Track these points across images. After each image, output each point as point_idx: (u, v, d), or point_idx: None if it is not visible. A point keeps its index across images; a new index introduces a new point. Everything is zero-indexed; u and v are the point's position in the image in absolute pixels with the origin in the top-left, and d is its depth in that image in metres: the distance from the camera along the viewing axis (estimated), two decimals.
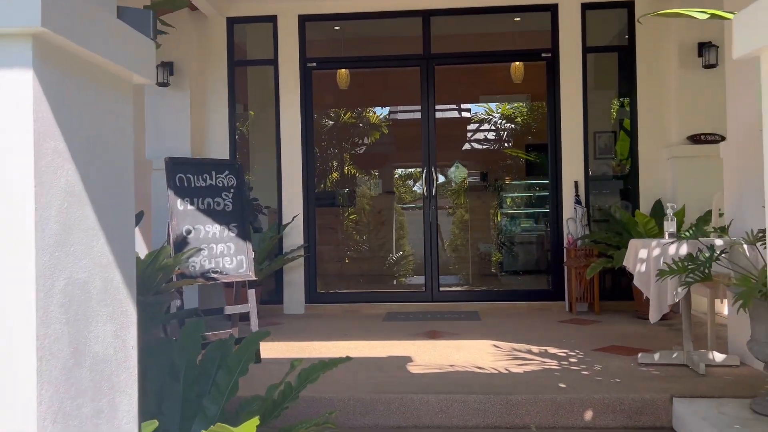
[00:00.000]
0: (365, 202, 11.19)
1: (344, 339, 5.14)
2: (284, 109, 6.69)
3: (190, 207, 4.28)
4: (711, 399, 3.41)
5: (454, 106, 10.65)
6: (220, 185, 4.44)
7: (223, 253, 4.34)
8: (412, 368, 4.14)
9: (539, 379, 3.82)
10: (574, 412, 3.44)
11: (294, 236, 6.63)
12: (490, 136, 10.97)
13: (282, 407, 2.64)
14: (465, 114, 10.83)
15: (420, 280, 9.58)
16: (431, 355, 4.52)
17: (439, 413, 3.46)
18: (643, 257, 3.97)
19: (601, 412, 3.44)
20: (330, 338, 5.19)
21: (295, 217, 6.55)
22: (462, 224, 10.50)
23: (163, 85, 6.38)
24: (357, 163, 11.12)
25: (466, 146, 10.89)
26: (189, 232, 4.24)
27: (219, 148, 6.76)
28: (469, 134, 10.93)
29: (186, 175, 4.30)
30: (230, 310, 4.32)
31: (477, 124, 11.01)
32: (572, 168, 6.47)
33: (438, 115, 6.64)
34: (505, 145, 10.98)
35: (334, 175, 11.11)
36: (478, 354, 4.51)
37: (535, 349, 4.65)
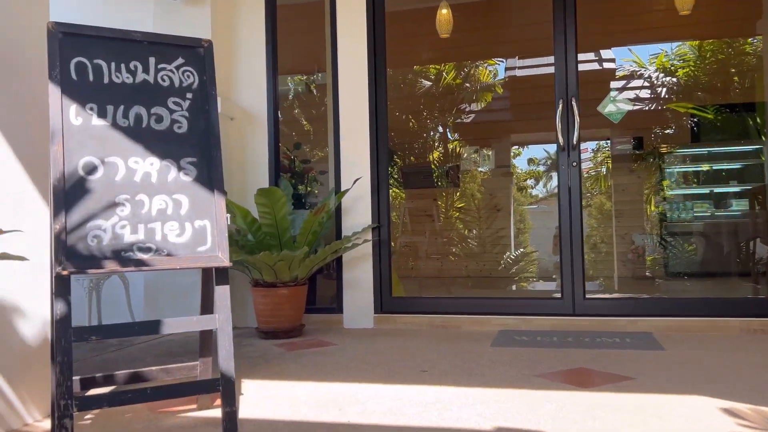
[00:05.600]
0: (475, 188, 8.83)
1: (418, 382, 2.85)
2: (344, 24, 4.53)
3: (97, 121, 2.18)
4: None
5: (592, 56, 8.05)
6: (165, 84, 2.31)
7: (163, 213, 2.20)
8: None
9: None
10: None
11: (358, 214, 4.43)
12: (643, 94, 8.25)
13: None
14: (608, 65, 8.18)
15: (551, 285, 7.15)
16: (585, 429, 2.12)
17: None
18: None
19: None
20: (394, 379, 2.92)
21: (357, 180, 4.35)
22: (605, 211, 7.86)
23: None
24: (462, 134, 8.77)
25: (609, 107, 8.21)
26: (92, 169, 2.14)
27: (253, 88, 4.72)
28: (612, 93, 8.25)
29: (93, 60, 2.21)
30: (173, 325, 2.16)
31: (624, 81, 8.34)
32: None
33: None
34: (669, 99, 8.16)
35: (436, 153, 8.85)
36: None
37: None
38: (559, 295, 4.19)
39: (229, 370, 2.20)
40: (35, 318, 2.39)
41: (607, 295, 5.12)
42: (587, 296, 4.12)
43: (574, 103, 4.08)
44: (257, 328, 4.15)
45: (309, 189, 5.19)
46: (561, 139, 4.10)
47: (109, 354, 3.63)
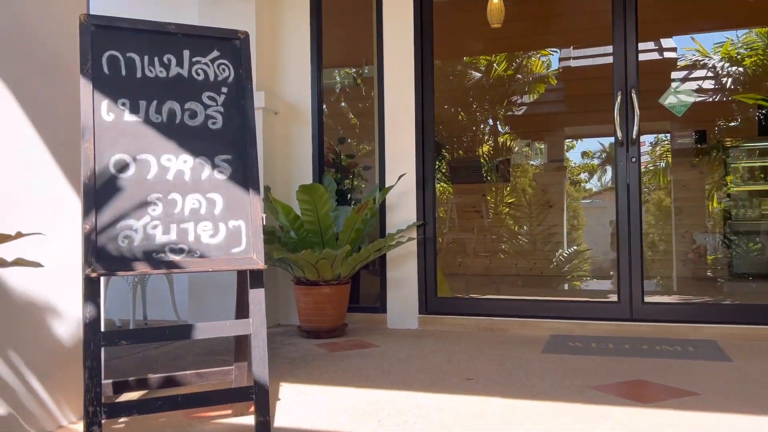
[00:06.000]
0: (526, 183, 8.56)
1: (462, 391, 2.70)
2: (390, 15, 4.39)
3: (130, 117, 2.10)
4: None
5: (652, 45, 7.67)
6: (200, 78, 2.22)
7: (197, 213, 2.12)
8: None
9: None
10: None
11: (403, 210, 4.30)
12: (706, 84, 7.82)
13: None
14: (669, 54, 7.78)
15: (605, 284, 6.86)
16: None
17: None
18: None
19: None
20: (438, 387, 2.78)
21: (401, 176, 4.21)
22: (663, 208, 7.50)
23: None
24: (513, 127, 8.51)
25: (671, 99, 7.81)
26: (124, 167, 2.06)
27: (297, 82, 4.63)
28: (674, 84, 7.85)
29: (126, 54, 2.13)
30: (206, 330, 2.07)
31: (686, 72, 7.92)
32: None
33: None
34: (735, 90, 7.70)
35: (485, 147, 8.62)
36: None
37: None
38: (615, 298, 3.97)
39: (263, 378, 2.10)
40: (70, 318, 2.35)
41: (667, 299, 4.84)
42: (646, 300, 3.88)
43: (633, 95, 3.84)
44: (299, 326, 4.07)
45: (355, 183, 5.08)
46: (619, 134, 3.86)
47: (151, 351, 3.60)
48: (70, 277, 2.36)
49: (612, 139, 3.94)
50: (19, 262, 1.32)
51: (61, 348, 2.31)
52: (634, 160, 3.84)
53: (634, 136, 3.82)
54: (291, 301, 4.45)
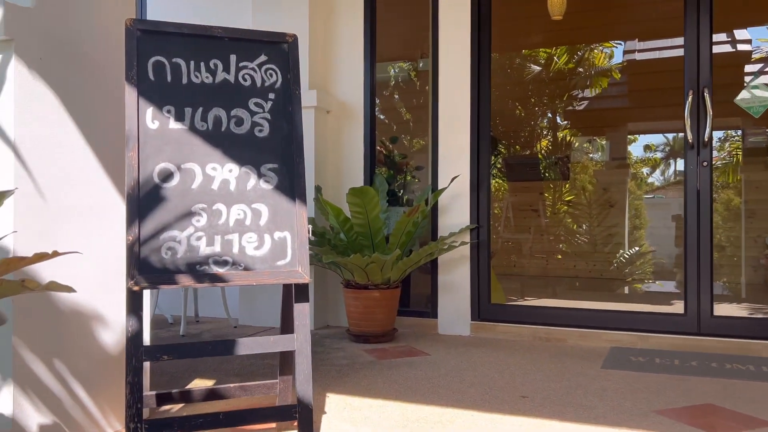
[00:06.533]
0: (586, 179, 8.25)
1: (516, 411, 2.56)
2: (446, 7, 4.24)
3: (175, 125, 2.05)
4: None
5: (724, 37, 7.24)
6: (246, 84, 2.14)
7: (242, 223, 2.05)
8: None
9: None
10: None
11: (456, 213, 4.16)
12: None
13: None
14: (743, 47, 7.33)
15: (669, 286, 6.54)
16: None
17: None
18: None
19: None
20: (490, 404, 2.65)
21: (454, 178, 4.07)
22: (732, 208, 7.09)
23: None
24: (574, 123, 8.20)
25: (744, 95, 7.36)
26: (168, 176, 2.01)
27: (350, 80, 4.54)
28: (748, 79, 7.40)
29: (172, 59, 2.07)
30: (249, 346, 2.00)
31: (761, 65, 7.45)
32: None
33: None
34: None
35: (544, 142, 8.36)
36: None
37: None
38: (681, 309, 3.73)
39: (307, 397, 2.02)
40: (116, 326, 2.33)
41: (738, 311, 4.55)
42: (715, 314, 3.63)
43: (706, 95, 3.58)
44: (348, 330, 4.00)
45: (408, 178, 4.96)
46: (690, 136, 3.61)
47: None
48: (116, 284, 2.34)
49: (676, 133, 3.69)
50: (51, 287, 1.27)
51: (106, 356, 2.29)
52: (705, 164, 3.58)
53: (706, 139, 3.57)
54: (340, 302, 4.39)
